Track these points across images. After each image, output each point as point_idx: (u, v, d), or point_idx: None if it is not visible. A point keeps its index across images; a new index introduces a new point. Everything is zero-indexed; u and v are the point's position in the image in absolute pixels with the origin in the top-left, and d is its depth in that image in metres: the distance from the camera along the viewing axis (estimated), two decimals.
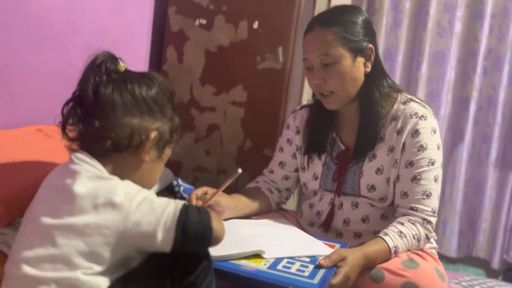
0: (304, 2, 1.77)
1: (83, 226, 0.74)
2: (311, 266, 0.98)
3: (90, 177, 0.78)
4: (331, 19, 1.21)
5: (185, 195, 1.51)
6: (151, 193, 0.80)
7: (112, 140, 0.81)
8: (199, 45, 1.82)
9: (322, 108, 1.30)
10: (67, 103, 0.84)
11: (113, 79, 0.82)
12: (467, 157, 2.66)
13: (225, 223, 1.12)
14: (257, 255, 0.99)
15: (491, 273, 2.66)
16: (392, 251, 1.11)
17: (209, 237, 0.79)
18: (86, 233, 0.74)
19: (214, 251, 0.86)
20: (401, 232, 1.14)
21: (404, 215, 1.20)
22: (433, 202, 1.20)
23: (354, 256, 1.04)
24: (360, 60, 1.23)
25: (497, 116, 2.59)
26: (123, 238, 0.75)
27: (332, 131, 1.35)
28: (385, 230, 1.15)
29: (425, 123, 1.22)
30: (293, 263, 0.99)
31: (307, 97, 1.88)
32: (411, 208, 1.19)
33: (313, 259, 1.02)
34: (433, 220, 1.20)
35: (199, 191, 1.20)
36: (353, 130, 1.30)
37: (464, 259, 2.74)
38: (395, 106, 1.27)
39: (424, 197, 1.19)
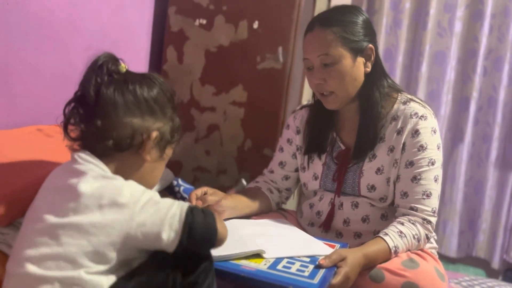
0: (304, 2, 1.78)
1: (88, 225, 0.75)
2: (311, 266, 0.98)
3: (95, 176, 0.79)
4: (331, 19, 1.21)
5: (185, 195, 1.51)
6: (155, 194, 0.81)
7: (113, 140, 0.82)
8: (199, 45, 1.82)
9: (322, 108, 1.30)
10: (68, 103, 0.84)
11: (114, 79, 0.83)
12: (467, 157, 2.66)
13: (225, 223, 1.13)
14: (257, 255, 0.99)
15: (491, 273, 2.66)
16: (392, 251, 1.11)
17: (214, 239, 0.81)
18: (91, 233, 0.75)
19: (214, 251, 0.86)
20: (401, 232, 1.14)
21: (404, 215, 1.20)
22: (433, 202, 1.20)
23: (354, 256, 1.04)
24: (360, 60, 1.23)
25: (497, 116, 2.59)
26: (127, 238, 0.76)
27: (332, 131, 1.35)
28: (385, 230, 1.15)
29: (425, 123, 1.22)
30: (293, 263, 0.99)
31: (307, 97, 1.88)
32: (411, 208, 1.19)
33: (313, 259, 1.02)
34: (433, 220, 1.20)
35: (199, 191, 1.20)
36: (353, 130, 1.30)
37: (464, 259, 2.74)
38: (395, 106, 1.27)
39: (424, 197, 1.19)
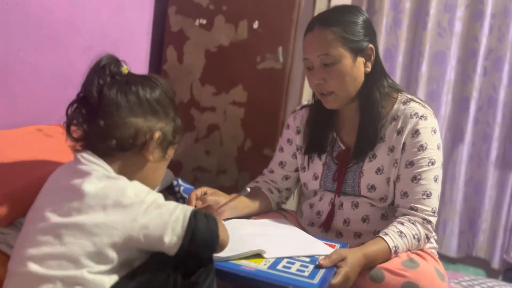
0: (304, 2, 1.77)
1: (91, 225, 0.75)
2: (311, 266, 0.98)
3: (99, 177, 0.80)
4: (331, 19, 1.21)
5: (185, 195, 1.51)
6: (159, 196, 0.82)
7: (116, 139, 0.82)
8: (199, 45, 1.82)
9: (322, 108, 1.30)
10: (71, 104, 0.85)
11: (117, 81, 0.84)
12: (467, 157, 2.66)
13: (225, 223, 1.13)
14: (257, 255, 0.99)
15: (491, 273, 2.66)
16: (392, 251, 1.11)
17: (215, 245, 0.82)
18: (94, 233, 0.75)
19: None
20: (401, 232, 1.14)
21: (404, 215, 1.20)
22: (433, 202, 1.20)
23: (354, 256, 1.04)
24: (360, 60, 1.23)
25: (497, 116, 2.59)
26: (130, 239, 0.77)
27: (332, 131, 1.35)
28: (385, 230, 1.15)
29: (425, 123, 1.22)
30: (293, 263, 0.99)
31: (307, 97, 1.88)
32: (411, 208, 1.19)
33: (313, 259, 1.02)
34: (433, 220, 1.20)
35: (199, 192, 1.20)
36: (353, 130, 1.30)
37: (464, 259, 2.74)
38: (395, 106, 1.27)
39: (424, 197, 1.19)
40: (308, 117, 1.39)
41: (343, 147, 1.32)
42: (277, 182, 1.43)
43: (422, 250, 1.20)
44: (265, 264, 0.96)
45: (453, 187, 2.66)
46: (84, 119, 0.83)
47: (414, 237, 1.16)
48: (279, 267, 0.96)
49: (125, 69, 0.86)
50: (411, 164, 1.21)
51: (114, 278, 0.78)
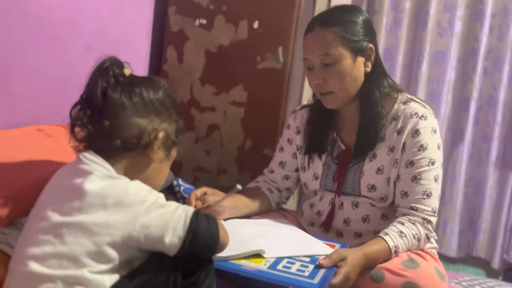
0: (304, 2, 1.77)
1: (92, 224, 0.75)
2: (311, 266, 0.98)
3: (100, 176, 0.80)
4: (331, 19, 1.21)
5: (185, 195, 1.51)
6: (161, 197, 0.83)
7: (121, 139, 0.83)
8: (199, 45, 1.82)
9: (322, 108, 1.30)
10: (75, 105, 0.86)
11: (121, 82, 0.85)
12: (467, 157, 2.66)
13: (225, 223, 1.13)
14: (257, 255, 0.99)
15: (491, 273, 2.66)
16: (393, 251, 1.11)
17: (216, 246, 0.83)
18: (94, 232, 0.75)
19: None
20: (401, 232, 1.14)
21: (404, 215, 1.20)
22: (433, 202, 1.20)
23: (354, 256, 1.04)
24: (360, 60, 1.23)
25: (497, 116, 2.59)
26: (130, 239, 0.77)
27: (332, 131, 1.35)
28: (385, 230, 1.15)
29: (425, 123, 1.22)
30: (293, 263, 0.99)
31: (307, 97, 1.88)
32: (411, 208, 1.19)
33: (313, 259, 1.02)
34: (433, 220, 1.20)
35: (199, 192, 1.20)
36: (353, 130, 1.30)
37: (464, 259, 2.74)
38: (396, 106, 1.26)
39: (424, 197, 1.19)
40: (308, 117, 1.39)
41: (343, 147, 1.32)
42: (277, 182, 1.43)
43: (422, 250, 1.20)
44: (265, 264, 0.96)
45: (453, 187, 2.66)
46: (89, 120, 0.84)
47: (414, 237, 1.16)
48: (279, 267, 0.96)
49: (127, 71, 0.87)
50: (411, 164, 1.21)
51: (114, 278, 0.78)
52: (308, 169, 1.37)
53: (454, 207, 2.67)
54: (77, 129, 0.85)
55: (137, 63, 1.82)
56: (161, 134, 0.87)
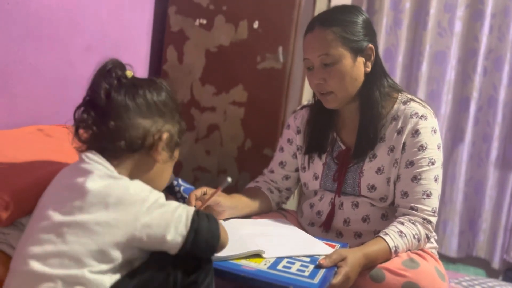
0: (304, 2, 1.77)
1: (93, 224, 0.76)
2: (311, 266, 0.98)
3: (101, 175, 0.81)
4: (331, 19, 1.21)
5: (185, 195, 1.51)
6: (161, 196, 0.83)
7: (125, 140, 0.84)
8: (199, 45, 1.82)
9: (322, 108, 1.30)
10: (78, 107, 0.86)
11: (124, 84, 0.86)
12: (467, 157, 2.66)
13: (225, 223, 1.13)
14: (257, 255, 0.99)
15: (492, 273, 2.66)
16: (393, 251, 1.11)
17: (216, 245, 0.83)
18: (96, 232, 0.76)
19: None
20: (401, 232, 1.14)
21: (404, 214, 1.20)
22: (433, 202, 1.20)
23: (355, 256, 1.04)
24: (360, 60, 1.23)
25: (497, 116, 2.59)
26: (131, 238, 0.77)
27: (332, 131, 1.35)
28: (385, 230, 1.15)
29: (426, 123, 1.22)
30: (293, 263, 0.99)
31: (307, 97, 1.88)
32: (412, 208, 1.19)
33: (313, 259, 1.02)
34: (434, 219, 1.20)
35: (198, 192, 1.20)
36: (353, 130, 1.30)
37: (464, 259, 2.74)
38: (396, 106, 1.26)
39: (425, 196, 1.19)
40: (308, 117, 1.39)
41: (343, 147, 1.32)
42: (277, 182, 1.43)
43: (422, 250, 1.20)
44: (265, 264, 0.96)
45: (453, 187, 2.66)
46: (94, 121, 0.84)
47: (414, 237, 1.16)
48: (279, 267, 0.96)
49: (129, 73, 0.88)
50: (411, 164, 1.21)
51: (114, 278, 0.78)
52: (308, 169, 1.37)
53: (454, 207, 2.67)
54: (80, 131, 0.86)
55: (137, 63, 1.82)
56: (165, 135, 0.88)
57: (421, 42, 2.59)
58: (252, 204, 1.33)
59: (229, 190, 1.22)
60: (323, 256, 1.01)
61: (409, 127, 1.22)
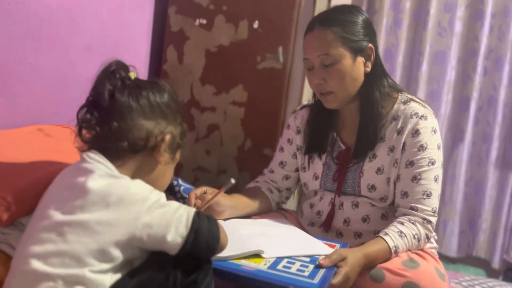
0: (304, 2, 1.77)
1: (94, 223, 0.76)
2: (311, 266, 0.98)
3: (102, 175, 0.81)
4: (331, 19, 1.21)
5: (185, 195, 1.51)
6: (162, 196, 0.83)
7: (128, 141, 0.84)
8: (199, 45, 1.82)
9: (322, 108, 1.30)
10: (81, 108, 0.87)
11: (127, 85, 0.86)
12: (467, 157, 2.66)
13: (225, 223, 1.13)
14: (257, 255, 0.99)
15: (492, 273, 2.66)
16: (393, 251, 1.11)
17: (216, 247, 0.84)
18: (96, 231, 0.76)
19: None
20: (401, 232, 1.14)
21: (404, 214, 1.20)
22: (433, 202, 1.20)
23: (355, 256, 1.04)
24: (360, 59, 1.23)
25: (497, 116, 2.59)
26: (132, 237, 0.78)
27: (332, 131, 1.35)
28: (385, 230, 1.15)
29: (425, 123, 1.22)
30: (293, 263, 0.99)
31: (307, 97, 1.88)
32: (411, 208, 1.19)
33: (313, 259, 1.02)
34: (433, 220, 1.20)
35: (198, 191, 1.20)
36: (353, 130, 1.30)
37: (464, 259, 2.74)
38: (396, 106, 1.26)
39: (424, 197, 1.19)
40: (308, 117, 1.39)
41: (343, 147, 1.32)
42: (277, 182, 1.43)
43: (422, 250, 1.20)
44: (265, 264, 0.96)
45: (453, 187, 2.66)
46: (97, 121, 0.84)
47: (414, 237, 1.15)
48: (279, 267, 0.96)
49: (133, 74, 0.88)
50: (411, 164, 1.21)
51: (115, 277, 0.78)
52: (308, 169, 1.37)
53: (454, 207, 2.67)
54: (83, 131, 0.87)
55: (137, 63, 1.81)
56: (167, 137, 0.88)
57: (421, 42, 2.59)
58: (252, 204, 1.33)
59: (229, 190, 1.21)
60: (323, 256, 1.01)
61: (409, 127, 1.22)
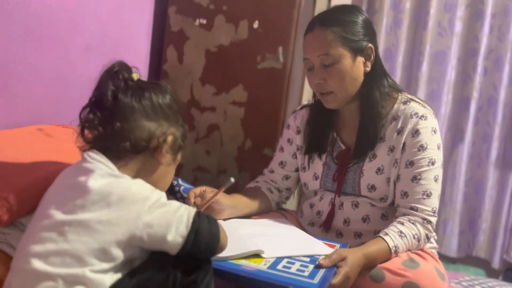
0: (304, 2, 1.77)
1: (94, 222, 0.76)
2: (311, 266, 0.98)
3: (102, 174, 0.81)
4: (331, 19, 1.21)
5: (185, 195, 1.51)
6: (163, 196, 0.84)
7: (130, 142, 0.84)
8: (199, 45, 1.82)
9: (322, 108, 1.30)
10: (84, 108, 0.87)
11: (130, 86, 0.87)
12: (467, 157, 2.66)
13: (225, 223, 1.13)
14: (257, 255, 0.99)
15: (492, 273, 2.66)
16: (392, 251, 1.11)
17: (216, 247, 0.84)
18: (97, 230, 0.76)
19: None
20: (401, 232, 1.14)
21: (404, 215, 1.20)
22: (433, 202, 1.20)
23: (354, 256, 1.04)
24: (360, 59, 1.23)
25: (497, 116, 2.59)
26: (133, 237, 0.78)
27: (332, 131, 1.35)
28: (385, 230, 1.15)
29: (425, 123, 1.22)
30: (293, 263, 0.99)
31: (307, 97, 1.88)
32: (411, 208, 1.19)
33: (313, 259, 1.02)
34: (433, 220, 1.20)
35: (198, 190, 1.20)
36: (353, 130, 1.30)
37: (464, 259, 2.74)
38: (396, 106, 1.26)
39: (424, 197, 1.19)
40: (308, 117, 1.39)
41: (343, 147, 1.32)
42: (277, 182, 1.43)
43: (422, 250, 1.20)
44: (265, 264, 0.96)
45: (453, 187, 2.66)
46: (100, 122, 0.85)
47: (414, 237, 1.16)
48: (279, 267, 0.96)
49: (135, 75, 0.89)
50: (411, 164, 1.21)
51: (115, 277, 0.78)
52: (308, 169, 1.37)
53: (454, 207, 2.67)
54: (85, 131, 0.87)
55: (137, 63, 1.81)
56: (170, 138, 0.88)
57: (421, 42, 2.58)
58: (252, 204, 1.33)
59: (229, 190, 1.21)
60: (323, 256, 1.01)
61: (409, 127, 1.22)
